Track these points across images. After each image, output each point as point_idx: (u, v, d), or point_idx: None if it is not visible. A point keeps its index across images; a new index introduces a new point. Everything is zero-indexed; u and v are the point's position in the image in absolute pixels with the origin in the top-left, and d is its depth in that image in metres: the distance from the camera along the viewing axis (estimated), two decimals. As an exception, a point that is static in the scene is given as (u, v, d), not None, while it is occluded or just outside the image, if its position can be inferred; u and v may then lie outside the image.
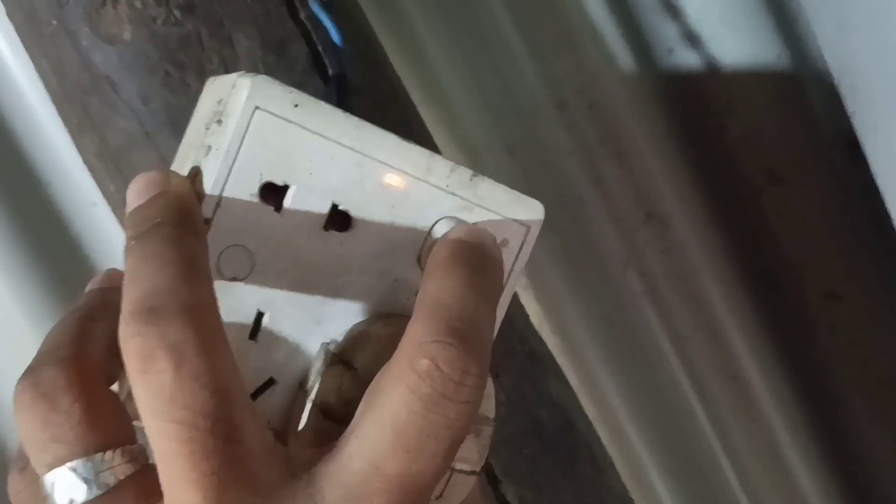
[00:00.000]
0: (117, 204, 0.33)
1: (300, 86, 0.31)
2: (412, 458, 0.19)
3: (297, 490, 0.19)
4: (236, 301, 0.22)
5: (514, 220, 0.24)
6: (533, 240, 0.24)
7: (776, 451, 0.54)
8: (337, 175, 0.22)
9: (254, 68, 0.31)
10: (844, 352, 0.53)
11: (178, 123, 0.30)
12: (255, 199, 0.22)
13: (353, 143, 0.22)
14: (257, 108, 0.21)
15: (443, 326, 0.19)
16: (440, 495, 0.23)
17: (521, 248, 0.24)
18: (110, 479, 0.20)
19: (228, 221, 0.22)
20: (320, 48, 0.31)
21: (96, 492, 0.19)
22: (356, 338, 0.23)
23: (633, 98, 0.51)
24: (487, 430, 0.23)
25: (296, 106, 0.21)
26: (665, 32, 0.50)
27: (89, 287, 0.23)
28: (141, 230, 0.20)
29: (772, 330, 0.53)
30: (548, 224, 0.25)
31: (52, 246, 0.44)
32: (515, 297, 0.39)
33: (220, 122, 0.22)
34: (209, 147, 0.22)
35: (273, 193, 0.22)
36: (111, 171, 0.32)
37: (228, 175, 0.21)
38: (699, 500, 0.52)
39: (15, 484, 0.22)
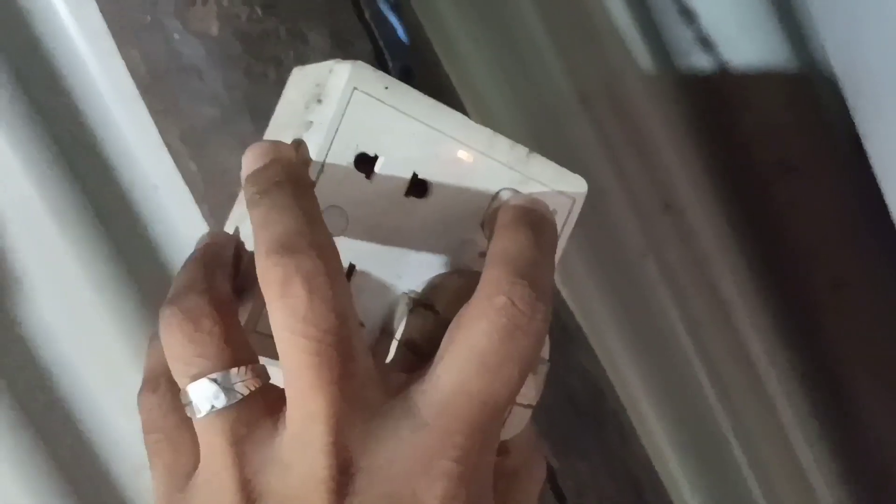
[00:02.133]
0: (195, 182, 0.36)
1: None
2: (492, 379, 0.22)
3: (395, 404, 0.22)
4: None
5: (562, 193, 0.27)
6: (578, 210, 0.27)
7: (782, 430, 0.57)
8: (418, 148, 0.25)
9: (324, 59, 0.34)
10: (849, 336, 0.56)
11: (256, 110, 0.34)
12: (351, 167, 0.25)
13: (432, 122, 0.25)
14: (356, 88, 0.24)
15: (514, 272, 0.23)
16: (503, 424, 0.25)
17: (567, 217, 0.27)
18: (243, 389, 0.22)
19: (328, 185, 0.25)
20: (382, 43, 0.34)
21: (232, 400, 0.22)
22: (434, 287, 0.26)
23: (652, 94, 0.54)
24: (543, 370, 0.26)
25: (386, 88, 0.25)
26: (682, 35, 0.54)
27: (198, 243, 0.26)
28: (265, 187, 0.23)
29: (780, 315, 0.56)
30: None
31: (117, 225, 0.47)
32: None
33: (320, 101, 0.25)
34: (310, 122, 0.25)
35: (365, 163, 0.25)
36: (193, 152, 0.35)
37: (330, 145, 0.25)
38: (709, 474, 0.55)
39: (147, 401, 0.25)
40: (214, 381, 0.22)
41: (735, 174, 0.54)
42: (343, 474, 0.21)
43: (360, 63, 0.25)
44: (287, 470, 0.22)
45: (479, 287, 0.23)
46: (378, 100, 0.25)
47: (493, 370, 0.22)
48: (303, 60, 0.34)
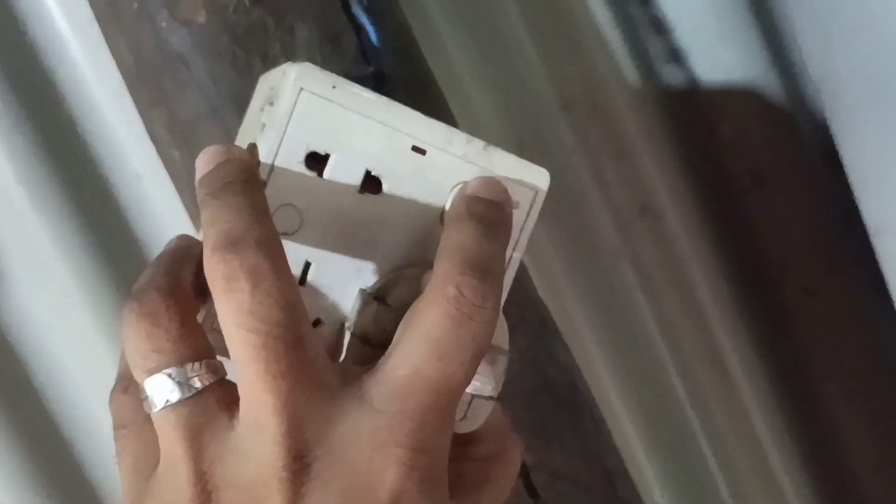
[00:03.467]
0: (179, 172, 0.37)
1: (349, 72, 0.35)
2: (445, 364, 0.23)
3: (349, 392, 0.23)
4: (287, 253, 0.25)
5: (524, 184, 0.27)
6: (541, 202, 0.27)
7: (751, 431, 0.58)
8: (370, 146, 0.26)
9: (310, 56, 0.34)
10: (818, 342, 0.57)
11: (241, 101, 0.34)
12: (302, 166, 0.25)
13: (384, 119, 0.26)
14: (302, 89, 0.25)
15: (464, 263, 0.24)
16: (464, 417, 0.26)
17: (530, 208, 0.27)
18: (197, 384, 0.23)
19: (280, 185, 0.25)
20: (362, 46, 0.35)
21: (187, 394, 0.23)
22: (387, 281, 0.27)
23: (632, 102, 0.55)
24: (502, 360, 0.26)
25: (334, 87, 0.25)
26: (661, 46, 0.55)
27: (168, 244, 0.27)
28: (215, 187, 0.24)
29: (752, 320, 0.57)
30: (551, 214, 0.28)
31: (98, 214, 0.47)
32: (527, 270, 0.43)
33: (272, 103, 0.26)
34: (263, 124, 0.26)
35: (317, 161, 0.25)
36: (178, 141, 0.35)
37: (279, 146, 0.25)
38: (677, 470, 0.56)
39: (117, 400, 0.25)
40: (169, 375, 0.23)
41: (710, 182, 0.55)
42: (298, 462, 0.22)
43: (307, 64, 0.25)
44: (243, 460, 0.22)
45: (432, 279, 0.24)
46: (326, 99, 0.25)
47: (444, 357, 0.23)
48: (289, 53, 0.34)
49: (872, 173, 0.41)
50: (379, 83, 0.34)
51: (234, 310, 0.22)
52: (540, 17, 0.52)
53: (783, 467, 0.59)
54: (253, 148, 0.26)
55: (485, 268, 0.24)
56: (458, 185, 0.26)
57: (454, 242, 0.24)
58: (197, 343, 0.23)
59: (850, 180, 0.42)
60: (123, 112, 0.44)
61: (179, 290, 0.24)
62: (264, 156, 0.25)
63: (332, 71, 0.28)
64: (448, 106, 0.40)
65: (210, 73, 0.34)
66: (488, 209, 0.25)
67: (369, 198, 0.26)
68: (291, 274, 0.23)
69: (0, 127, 0.44)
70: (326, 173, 0.26)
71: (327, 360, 0.23)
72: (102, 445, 0.48)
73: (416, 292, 0.24)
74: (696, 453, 0.56)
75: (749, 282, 0.57)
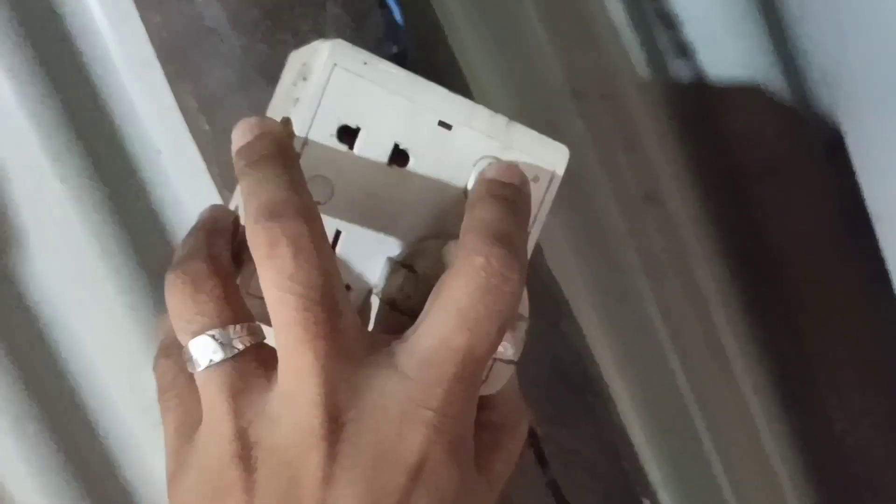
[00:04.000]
0: (208, 142, 0.38)
1: (375, 51, 0.36)
2: (472, 334, 0.24)
3: (380, 359, 0.24)
4: None
5: (544, 160, 0.28)
6: (559, 176, 0.28)
7: (747, 417, 0.59)
8: (398, 120, 0.27)
9: (339, 33, 0.36)
10: (815, 333, 0.59)
11: (271, 75, 0.35)
12: (334, 139, 0.26)
13: (412, 95, 0.27)
14: (335, 65, 0.26)
15: (491, 236, 0.25)
16: (485, 380, 0.27)
17: (549, 183, 0.28)
18: (239, 345, 0.24)
19: (313, 156, 0.26)
20: (385, 27, 0.36)
21: (229, 354, 0.24)
22: (416, 250, 0.28)
23: (642, 94, 0.56)
24: (522, 326, 0.27)
25: (365, 64, 0.26)
26: (669, 39, 0.56)
27: (202, 215, 0.28)
28: (253, 160, 0.25)
29: (753, 309, 0.59)
30: (560, 198, 0.29)
31: (118, 186, 0.48)
32: (540, 250, 0.44)
33: (305, 78, 0.27)
34: (297, 99, 0.27)
35: (348, 135, 0.27)
36: (208, 113, 0.37)
37: (313, 119, 0.26)
38: (675, 454, 0.57)
39: (161, 365, 0.27)
40: (213, 336, 0.24)
41: (716, 173, 0.57)
42: (332, 423, 0.23)
43: (339, 41, 0.26)
44: (280, 421, 0.23)
45: (459, 252, 0.25)
46: (358, 75, 0.26)
47: (472, 325, 0.24)
48: (319, 29, 0.35)
49: (876, 161, 0.42)
50: (402, 63, 0.35)
51: (276, 274, 0.23)
52: (555, 8, 0.53)
53: (778, 452, 0.60)
54: (287, 121, 0.27)
55: (510, 239, 0.25)
56: (481, 158, 0.28)
57: (479, 217, 0.25)
58: (238, 307, 0.25)
59: (854, 167, 0.43)
60: (149, 87, 0.45)
61: (219, 257, 0.25)
62: (298, 129, 0.26)
63: (363, 46, 0.28)
64: (469, 88, 0.42)
65: (242, 47, 0.35)
66: (508, 190, 0.26)
67: (397, 171, 0.27)
68: (328, 243, 0.24)
69: (27, 97, 0.45)
70: (357, 146, 0.27)
71: (360, 326, 0.24)
72: (120, 414, 0.49)
73: (440, 260, 0.26)
74: (690, 433, 0.58)
75: (751, 271, 0.58)
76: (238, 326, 0.24)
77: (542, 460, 0.38)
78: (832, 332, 0.59)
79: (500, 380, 0.28)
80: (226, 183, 0.38)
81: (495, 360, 0.27)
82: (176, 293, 0.24)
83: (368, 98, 0.26)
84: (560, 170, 0.28)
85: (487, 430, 0.27)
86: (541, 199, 0.28)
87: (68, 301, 0.48)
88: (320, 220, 0.24)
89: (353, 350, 0.24)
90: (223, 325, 0.24)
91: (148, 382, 0.47)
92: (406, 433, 0.23)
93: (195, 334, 0.24)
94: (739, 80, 0.56)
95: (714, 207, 0.57)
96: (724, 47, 0.56)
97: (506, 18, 0.53)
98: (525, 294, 0.27)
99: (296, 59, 0.29)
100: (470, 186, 0.27)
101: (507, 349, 0.27)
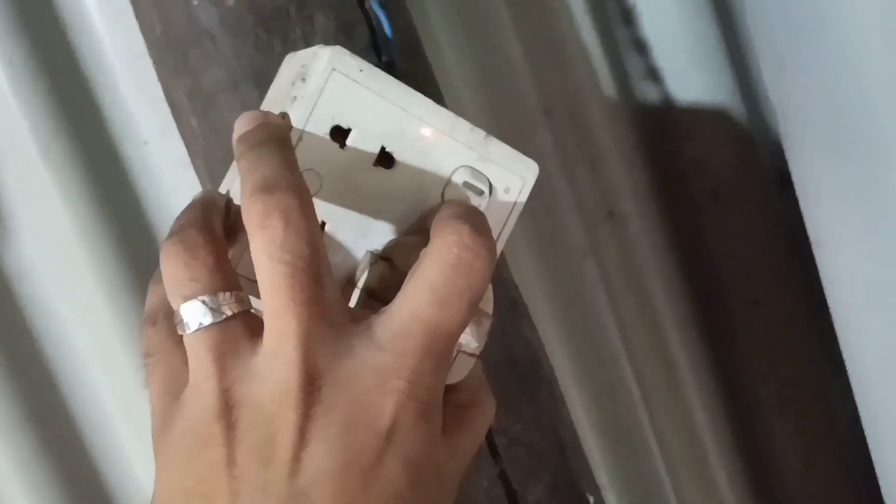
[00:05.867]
0: (195, 138, 0.40)
1: (364, 59, 0.39)
2: (443, 309, 0.25)
3: (358, 330, 0.25)
4: None
5: (516, 172, 0.30)
6: (528, 189, 0.30)
7: (693, 428, 0.62)
8: (386, 125, 0.29)
9: (327, 42, 0.38)
10: (759, 351, 0.62)
11: (260, 78, 0.38)
12: (327, 137, 0.29)
13: (401, 103, 0.29)
14: (334, 69, 0.28)
15: (462, 220, 0.26)
16: (449, 369, 0.28)
17: (518, 195, 0.30)
18: (227, 311, 0.25)
19: (306, 150, 0.28)
20: (377, 37, 0.39)
21: (218, 318, 0.25)
22: (395, 244, 0.30)
23: (608, 114, 0.59)
24: (486, 323, 0.29)
25: (361, 71, 0.28)
26: (638, 64, 0.59)
27: (196, 195, 0.30)
28: (252, 143, 0.27)
29: (701, 325, 0.62)
30: (524, 210, 0.31)
31: (104, 174, 0.49)
32: (504, 255, 0.46)
33: (304, 79, 0.29)
34: (294, 97, 0.29)
35: (339, 134, 0.29)
36: (198, 110, 0.39)
37: (309, 116, 0.28)
38: (622, 454, 0.59)
39: (147, 332, 0.28)
40: (203, 302, 0.25)
41: (673, 195, 0.60)
42: (309, 386, 0.24)
43: (339, 48, 0.28)
44: (262, 381, 0.25)
45: (432, 231, 0.26)
46: (353, 80, 0.28)
47: (443, 301, 0.25)
48: (307, 39, 0.38)
49: (817, 189, 0.45)
50: (390, 72, 0.37)
51: (268, 243, 0.24)
52: (531, 29, 0.56)
53: (718, 461, 0.63)
54: (285, 115, 0.29)
55: (481, 227, 0.26)
56: (459, 167, 0.30)
57: (449, 213, 0.27)
58: (228, 276, 0.26)
59: (797, 194, 0.46)
60: (138, 80, 0.47)
61: (213, 229, 0.27)
62: (295, 123, 0.28)
63: None
64: (444, 99, 0.44)
65: (234, 50, 0.37)
66: (473, 210, 0.28)
67: (382, 171, 0.29)
68: (317, 219, 0.26)
69: (18, 81, 0.47)
70: (347, 145, 0.29)
71: (342, 299, 0.26)
72: (94, 394, 0.50)
73: (415, 254, 0.27)
74: (640, 441, 0.60)
75: (700, 290, 0.61)
76: (228, 294, 0.25)
77: (493, 452, 0.40)
78: (773, 351, 0.62)
79: (463, 370, 0.29)
80: (210, 176, 0.40)
81: (459, 351, 0.29)
82: (171, 259, 0.26)
83: (361, 102, 0.28)
84: (529, 183, 0.30)
85: (453, 409, 0.28)
86: (510, 207, 0.30)
87: (50, 282, 0.49)
88: (310, 198, 0.26)
89: (335, 319, 0.25)
90: (214, 292, 0.25)
91: (125, 364, 0.49)
92: (378, 399, 0.24)
93: (187, 298, 0.25)
94: (702, 107, 0.59)
95: (670, 228, 0.60)
96: (689, 76, 0.59)
97: (484, 37, 0.55)
98: (490, 293, 0.29)
99: (294, 60, 0.31)
100: (446, 190, 0.30)
101: (471, 342, 0.29)
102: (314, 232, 0.25)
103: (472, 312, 0.26)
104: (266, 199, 0.25)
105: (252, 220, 0.25)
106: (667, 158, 0.60)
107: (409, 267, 0.27)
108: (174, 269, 0.26)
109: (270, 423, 0.24)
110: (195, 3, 0.37)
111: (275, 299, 0.25)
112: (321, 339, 0.25)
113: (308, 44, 0.38)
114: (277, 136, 0.27)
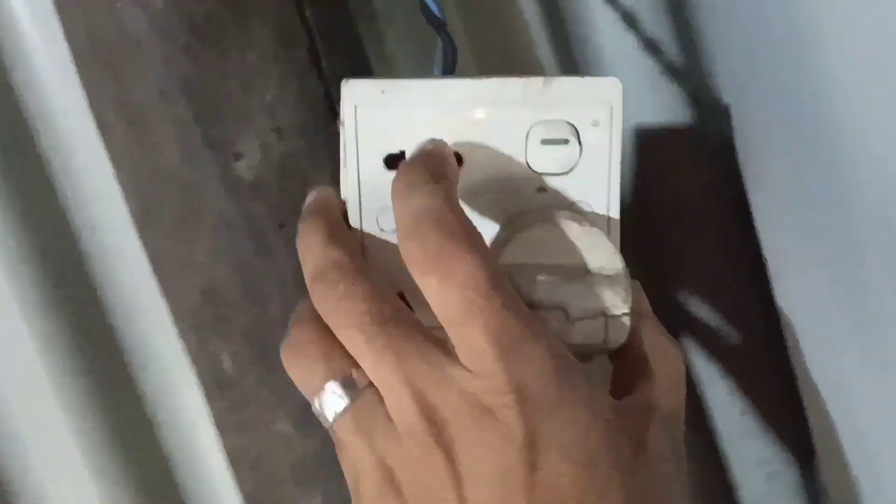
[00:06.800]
0: (120, 150, 0.37)
1: (299, 77, 0.36)
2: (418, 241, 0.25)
3: (445, 360, 0.26)
4: (396, 249, 0.27)
5: (598, 100, 0.27)
6: (620, 109, 0.28)
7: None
8: (435, 129, 0.27)
9: (262, 53, 0.36)
10: (713, 383, 0.61)
11: (190, 87, 0.35)
12: (383, 169, 0.27)
13: (436, 101, 0.27)
14: (356, 106, 0.27)
15: (404, 165, 0.28)
16: (605, 338, 0.28)
17: (611, 119, 0.28)
18: (352, 392, 0.26)
19: (372, 191, 0.28)
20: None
21: (348, 401, 0.27)
22: (507, 237, 0.28)
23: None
24: (619, 278, 0.27)
25: (383, 93, 0.27)
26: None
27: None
28: (303, 219, 0.29)
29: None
30: None
31: (28, 186, 0.47)
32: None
33: (341, 122, 0.28)
34: (343, 142, 0.28)
35: (395, 159, 0.28)
36: (122, 120, 0.36)
37: (358, 161, 0.27)
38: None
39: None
40: (332, 391, 0.27)
41: (635, 215, 0.58)
42: (433, 425, 0.25)
43: (350, 82, 0.27)
44: (399, 439, 0.26)
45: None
46: (380, 107, 0.27)
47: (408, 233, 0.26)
48: (242, 48, 0.35)
49: (777, 222, 0.44)
50: (454, 57, 0.32)
51: (346, 327, 0.26)
52: (486, 47, 0.54)
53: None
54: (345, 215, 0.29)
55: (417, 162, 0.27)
56: (532, 126, 0.27)
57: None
58: (340, 357, 0.27)
59: (755, 226, 0.45)
60: (65, 87, 0.44)
61: (317, 320, 0.27)
62: (351, 172, 0.28)
63: (285, 74, 0.30)
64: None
65: (162, 58, 0.35)
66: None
67: None
68: (380, 278, 0.27)
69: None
70: None
71: (422, 328, 0.26)
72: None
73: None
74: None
75: (660, 316, 0.60)
76: (348, 374, 0.27)
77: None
78: (732, 383, 0.61)
79: (621, 333, 0.28)
80: (137, 190, 0.38)
81: (608, 317, 0.27)
82: (289, 366, 0.28)
83: (399, 121, 0.27)
84: (618, 104, 0.28)
85: (630, 369, 0.28)
86: (608, 139, 0.28)
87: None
88: (361, 264, 0.27)
89: (428, 358, 0.25)
90: (334, 378, 0.27)
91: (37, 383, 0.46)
92: (499, 419, 0.24)
93: (316, 394, 0.27)
94: (661, 131, 0.58)
95: (632, 249, 0.59)
96: (647, 98, 0.58)
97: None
98: (612, 248, 0.28)
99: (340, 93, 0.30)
100: (529, 159, 0.28)
101: (616, 304, 0.27)
102: (385, 291, 0.26)
103: (448, 243, 0.25)
104: (321, 288, 0.27)
105: (319, 308, 0.27)
106: (630, 177, 0.59)
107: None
108: (296, 374, 0.28)
109: (421, 475, 0.25)
110: (118, 5, 0.34)
111: (368, 363, 0.26)
112: (422, 378, 0.25)
113: (243, 53, 0.35)
114: (325, 209, 0.29)
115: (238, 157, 0.36)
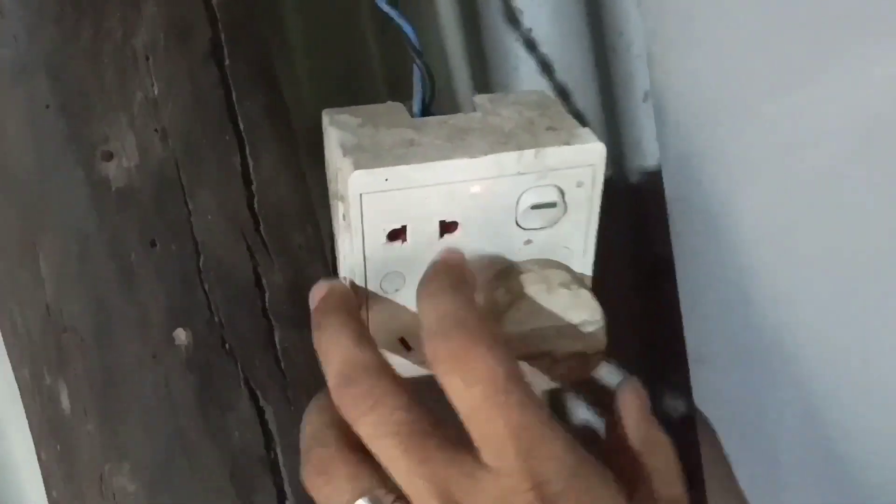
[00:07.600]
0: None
1: (199, 71, 0.31)
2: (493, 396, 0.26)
3: (469, 459, 0.27)
4: (398, 306, 0.31)
5: (581, 165, 0.29)
6: (602, 170, 0.30)
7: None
8: (435, 204, 0.29)
9: (153, 38, 0.30)
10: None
11: (56, 66, 0.29)
12: (387, 243, 0.29)
13: (437, 179, 0.28)
14: (362, 194, 0.28)
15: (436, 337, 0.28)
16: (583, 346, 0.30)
17: (593, 182, 0.30)
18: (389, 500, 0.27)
19: (377, 262, 0.30)
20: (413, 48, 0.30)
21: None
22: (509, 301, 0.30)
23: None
24: (598, 323, 0.31)
25: (387, 180, 0.28)
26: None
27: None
28: (324, 314, 0.29)
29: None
30: None
31: None
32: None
33: (342, 199, 0.29)
34: (343, 216, 0.30)
35: (397, 234, 0.29)
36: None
37: (363, 237, 0.29)
38: None
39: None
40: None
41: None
42: None
43: (357, 173, 0.28)
44: None
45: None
46: (383, 191, 0.28)
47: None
48: (129, 30, 0.30)
49: (697, 303, 0.42)
50: (432, 92, 0.33)
51: (373, 428, 0.27)
52: (400, 72, 0.50)
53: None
54: (351, 284, 0.30)
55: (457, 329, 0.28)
56: (522, 194, 0.29)
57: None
58: (367, 474, 0.27)
59: (681, 306, 0.43)
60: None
61: (342, 438, 0.28)
62: (356, 249, 0.29)
63: (177, 66, 0.28)
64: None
65: (27, 26, 0.29)
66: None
67: (448, 238, 0.30)
68: (398, 376, 0.28)
69: None
70: (409, 239, 0.29)
71: (452, 435, 0.27)
72: None
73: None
74: None
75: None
76: (376, 492, 0.27)
77: None
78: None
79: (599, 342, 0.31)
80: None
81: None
82: (312, 486, 0.28)
83: (402, 201, 0.29)
84: (599, 165, 0.29)
85: (624, 459, 0.30)
86: (590, 198, 0.30)
87: None
88: (385, 366, 0.28)
89: (460, 466, 0.26)
90: (363, 496, 0.27)
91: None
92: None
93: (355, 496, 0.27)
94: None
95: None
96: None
97: (348, 75, 0.50)
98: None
99: (329, 154, 0.31)
100: (519, 219, 0.30)
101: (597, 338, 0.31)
102: (404, 392, 0.27)
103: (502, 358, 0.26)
104: (346, 393, 0.27)
105: (347, 414, 0.27)
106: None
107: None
108: (320, 492, 0.27)
109: None
110: (-21, -43, 0.28)
111: (402, 474, 0.26)
112: (454, 485, 0.26)
113: (127, 35, 0.30)
114: (343, 307, 0.29)
115: (107, 156, 0.30)
